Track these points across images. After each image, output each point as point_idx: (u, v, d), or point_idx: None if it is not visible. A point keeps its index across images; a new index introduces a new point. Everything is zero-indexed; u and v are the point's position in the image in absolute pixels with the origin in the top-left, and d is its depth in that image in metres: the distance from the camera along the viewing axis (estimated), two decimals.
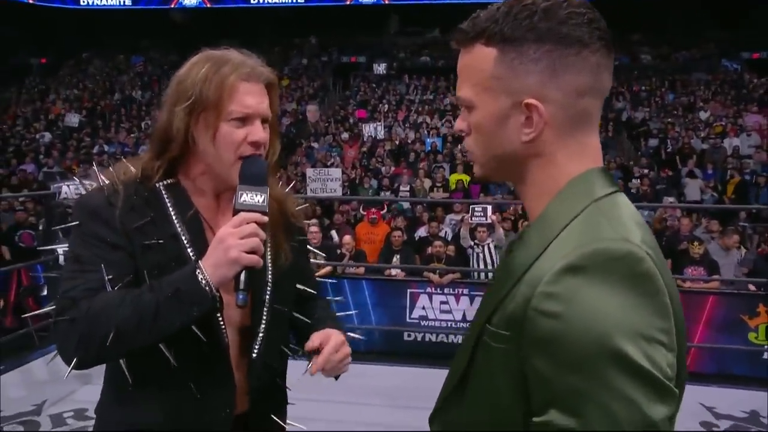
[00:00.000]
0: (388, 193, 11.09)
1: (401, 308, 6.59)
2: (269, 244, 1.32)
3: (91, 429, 2.12)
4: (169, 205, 1.27)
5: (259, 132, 1.22)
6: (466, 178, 11.55)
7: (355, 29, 23.34)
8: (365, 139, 14.94)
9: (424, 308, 6.58)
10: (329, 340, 1.29)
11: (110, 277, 1.18)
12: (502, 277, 0.85)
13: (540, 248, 0.80)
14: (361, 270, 6.89)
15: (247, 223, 1.15)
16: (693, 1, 19.78)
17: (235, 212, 1.18)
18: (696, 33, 19.94)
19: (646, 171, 11.88)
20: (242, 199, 1.18)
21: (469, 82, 0.90)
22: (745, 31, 19.49)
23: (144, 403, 1.25)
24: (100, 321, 1.12)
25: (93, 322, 1.13)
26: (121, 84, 20.55)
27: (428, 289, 6.53)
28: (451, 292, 6.51)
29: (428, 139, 14.52)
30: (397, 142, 14.67)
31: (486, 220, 6.36)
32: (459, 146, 13.90)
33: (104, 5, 22.80)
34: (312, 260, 1.59)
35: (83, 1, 22.72)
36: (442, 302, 6.53)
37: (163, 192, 1.27)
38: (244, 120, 1.22)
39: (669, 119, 15.04)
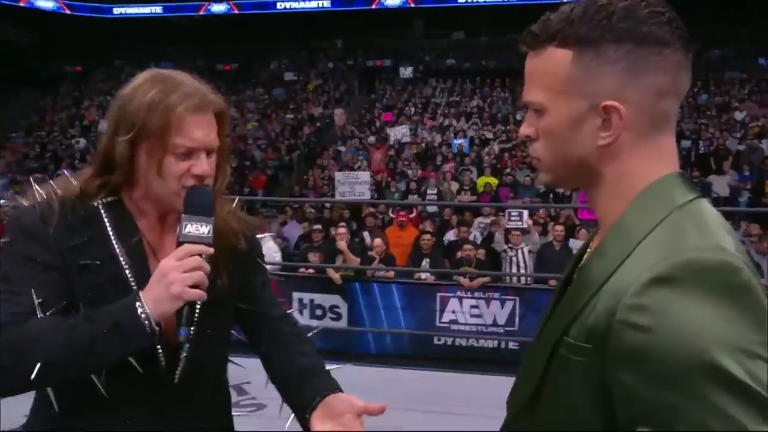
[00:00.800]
0: (415, 197, 11.10)
1: (431, 312, 6.59)
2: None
3: None
4: (107, 224, 1.20)
5: (203, 165, 1.17)
6: (494, 181, 11.50)
7: (380, 33, 23.40)
8: (391, 143, 14.98)
9: (454, 312, 6.56)
10: (351, 425, 1.19)
11: (40, 300, 1.10)
12: (579, 288, 0.83)
13: (620, 257, 0.78)
14: (391, 274, 6.92)
15: (191, 256, 1.11)
16: None
17: (179, 244, 1.13)
18: (730, 30, 19.54)
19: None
20: (186, 230, 1.13)
21: (541, 85, 0.87)
22: None
23: (76, 429, 1.19)
24: (28, 352, 1.05)
25: (19, 353, 1.05)
26: None
27: (458, 293, 6.52)
28: (482, 296, 6.49)
29: (455, 142, 14.48)
30: (423, 145, 14.67)
31: (523, 224, 6.35)
32: (486, 149, 13.88)
33: (135, 14, 23.35)
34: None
35: (116, 11, 23.33)
36: (472, 306, 6.52)
37: (102, 211, 1.21)
38: (189, 153, 1.16)
39: (702, 120, 14.78)
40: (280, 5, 22.76)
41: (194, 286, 1.09)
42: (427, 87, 20.26)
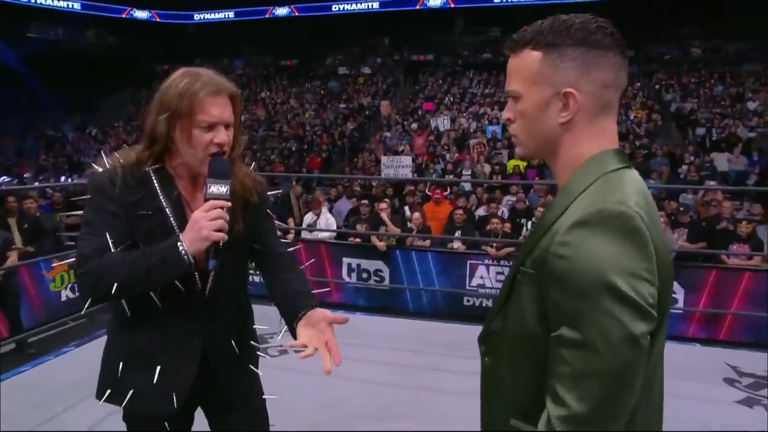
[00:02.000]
0: (451, 176, 11.15)
1: (461, 277, 6.63)
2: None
3: None
4: (156, 185, 1.42)
5: (221, 135, 1.37)
6: (522, 163, 11.42)
7: (423, 30, 23.20)
8: (432, 129, 14.98)
9: (481, 278, 6.60)
10: (324, 333, 1.37)
11: (112, 240, 1.34)
12: (534, 232, 0.98)
13: (561, 210, 0.92)
14: (427, 243, 7.04)
15: (215, 209, 1.33)
16: None
17: (206, 200, 1.35)
18: (747, 25, 18.57)
19: (692, 158, 11.37)
20: (210, 190, 1.35)
21: (518, 77, 1.00)
22: None
23: (142, 330, 1.45)
24: (105, 276, 1.31)
25: (100, 277, 1.31)
26: None
27: (486, 261, 6.55)
28: (507, 264, 6.50)
29: (489, 128, 14.38)
30: (460, 131, 14.63)
31: None
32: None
33: (213, 19, 24.03)
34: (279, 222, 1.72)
35: (196, 17, 24.12)
36: (497, 273, 6.53)
37: (152, 175, 1.42)
38: (211, 126, 1.36)
39: (717, 109, 14.22)
40: (335, 7, 22.81)
41: (218, 231, 1.32)
42: (465, 79, 20.05)
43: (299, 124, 17.55)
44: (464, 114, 16.41)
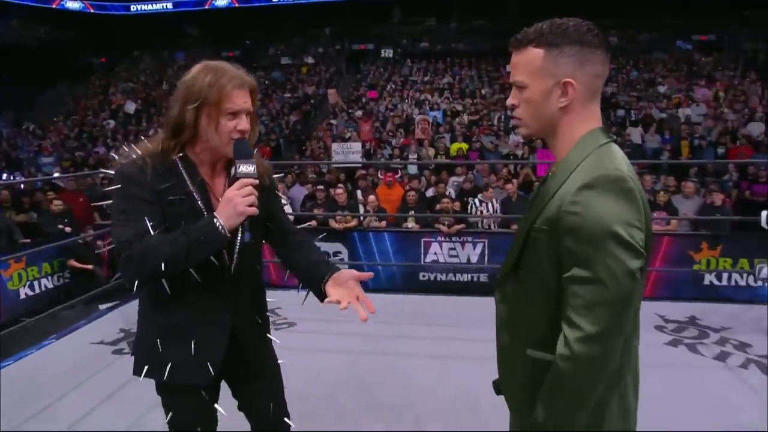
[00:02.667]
0: (398, 161, 11.28)
1: (416, 254, 6.83)
2: None
3: None
4: (183, 172, 1.49)
5: (245, 123, 1.47)
6: (464, 146, 11.70)
7: (363, 21, 23.12)
8: (377, 116, 15.08)
9: (435, 254, 6.81)
10: (354, 290, 1.52)
11: (152, 224, 1.39)
12: (542, 196, 1.14)
13: (565, 177, 1.09)
14: (383, 224, 7.18)
15: (246, 186, 1.40)
16: None
17: (234, 179, 1.42)
18: (655, 18, 19.72)
19: (615, 137, 12.02)
20: (240, 169, 1.42)
21: (523, 70, 1.15)
22: (695, 16, 19.30)
23: (177, 307, 1.51)
24: (151, 257, 1.36)
25: (145, 258, 1.36)
26: (168, 76, 20.53)
27: (438, 238, 6.76)
28: (458, 240, 6.76)
29: (430, 113, 14.62)
30: (404, 117, 14.81)
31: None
32: (457, 119, 14.07)
33: (149, 10, 22.88)
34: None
35: (132, 8, 22.88)
36: (450, 248, 6.78)
37: (178, 163, 1.49)
38: (235, 115, 1.45)
39: (633, 93, 15.03)
40: None
41: (250, 206, 1.40)
42: (405, 67, 20.19)
43: None
44: (406, 101, 16.60)
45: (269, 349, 1.75)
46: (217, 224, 1.39)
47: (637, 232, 1.02)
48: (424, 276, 6.93)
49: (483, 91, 16.27)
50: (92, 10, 22.67)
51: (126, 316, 4.32)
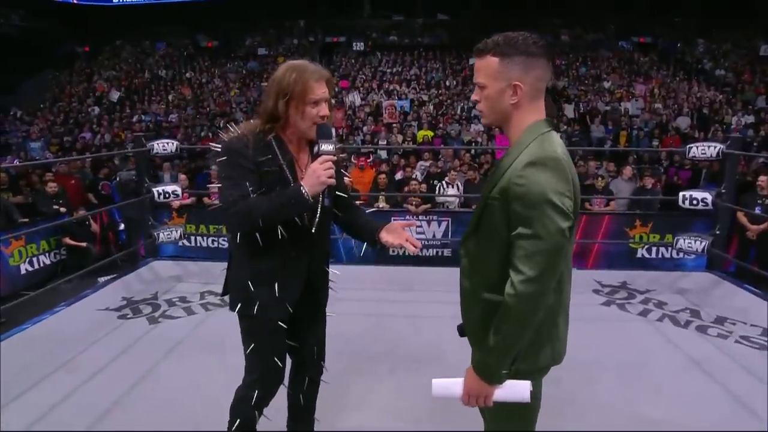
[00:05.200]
0: (369, 146, 11.40)
1: None
2: None
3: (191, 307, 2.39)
4: (276, 149, 1.68)
5: (325, 110, 1.67)
6: (430, 133, 11.86)
7: (335, 14, 22.90)
8: (349, 105, 15.14)
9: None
10: (403, 234, 1.78)
11: (252, 188, 1.61)
12: (497, 171, 1.33)
13: (515, 156, 1.28)
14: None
15: (327, 161, 1.60)
16: None
17: (317, 155, 1.61)
18: (601, 19, 20.19)
19: (565, 127, 12.49)
20: (323, 147, 1.62)
21: (484, 73, 1.31)
22: (635, 18, 19.86)
23: (266, 257, 1.71)
24: (254, 213, 1.58)
25: (249, 214, 1.58)
26: (149, 65, 19.94)
27: (407, 218, 6.81)
28: (425, 218, 6.94)
29: (399, 103, 14.74)
30: (374, 106, 14.89)
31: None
32: (423, 108, 14.24)
33: (132, 1, 22.05)
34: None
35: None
36: (418, 226, 6.94)
37: (273, 141, 1.69)
38: (317, 103, 1.66)
39: (582, 87, 15.40)
40: None
41: (329, 178, 1.60)
42: (375, 59, 20.17)
43: (225, 102, 16.98)
44: (376, 90, 16.66)
45: (327, 296, 1.96)
46: (303, 191, 1.59)
47: (567, 201, 1.23)
48: (394, 251, 7.05)
49: (447, 83, 16.44)
50: (75, 1, 21.68)
51: (125, 285, 4.45)
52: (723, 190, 4.53)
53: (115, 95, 16.92)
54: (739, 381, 2.91)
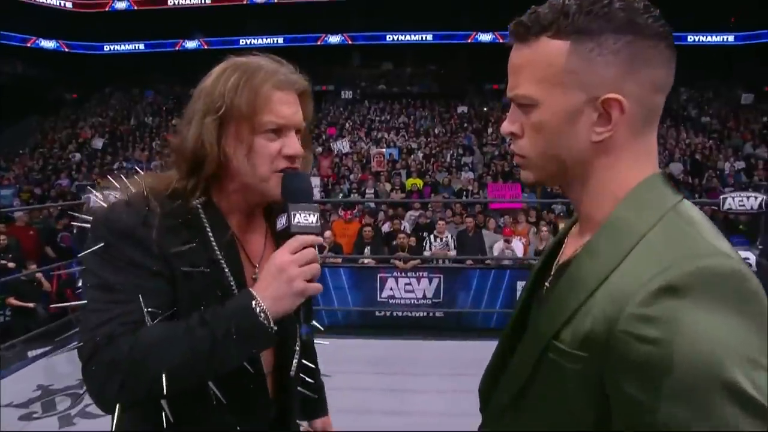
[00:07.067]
0: (356, 196, 10.84)
1: (373, 290, 6.36)
2: None
3: None
4: (207, 227, 0.89)
5: (294, 144, 0.88)
6: (419, 182, 11.40)
7: (324, 63, 22.97)
8: (336, 152, 14.65)
9: (391, 289, 6.36)
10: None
11: (150, 309, 0.80)
12: (569, 288, 0.61)
13: (616, 259, 0.57)
14: (339, 260, 6.67)
15: (305, 248, 0.82)
16: None
17: (285, 235, 0.84)
18: None
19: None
20: (296, 220, 0.83)
21: (532, 77, 0.63)
22: None
23: None
24: (148, 362, 0.77)
25: (140, 364, 0.76)
26: (136, 112, 19.69)
27: (395, 274, 6.33)
28: (414, 275, 6.32)
29: (387, 151, 14.29)
30: (362, 154, 14.42)
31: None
32: (412, 156, 13.77)
33: (123, 50, 22.13)
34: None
35: (106, 48, 22.13)
36: (406, 284, 6.34)
37: (201, 213, 0.89)
38: (278, 131, 0.88)
39: None
40: (242, 41, 21.79)
41: (309, 281, 0.82)
42: (363, 107, 19.98)
43: None
44: (364, 138, 16.26)
45: None
46: (257, 309, 0.80)
47: (764, 377, 0.51)
48: (380, 313, 6.41)
49: (436, 130, 16.15)
50: (66, 49, 21.67)
51: (51, 366, 3.69)
52: (760, 246, 3.82)
53: (99, 142, 16.52)
54: None
